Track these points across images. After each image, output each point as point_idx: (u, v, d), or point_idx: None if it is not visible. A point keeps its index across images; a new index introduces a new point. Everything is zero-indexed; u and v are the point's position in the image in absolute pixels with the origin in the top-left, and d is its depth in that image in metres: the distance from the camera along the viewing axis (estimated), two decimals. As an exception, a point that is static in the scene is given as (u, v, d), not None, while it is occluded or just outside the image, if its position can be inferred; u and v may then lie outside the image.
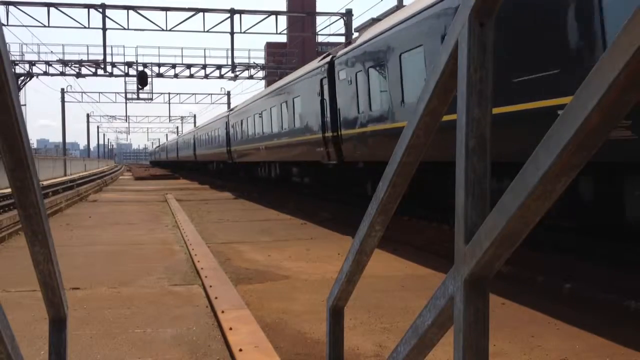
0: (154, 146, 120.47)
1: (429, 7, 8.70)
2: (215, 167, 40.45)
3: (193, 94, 72.27)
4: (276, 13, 30.57)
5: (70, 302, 2.52)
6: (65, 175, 49.24)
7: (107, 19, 28.81)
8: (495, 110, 5.98)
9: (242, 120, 25.66)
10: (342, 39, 29.33)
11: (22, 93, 39.96)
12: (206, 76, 34.13)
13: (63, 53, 41.19)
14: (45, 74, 34.04)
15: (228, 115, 30.71)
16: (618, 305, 5.14)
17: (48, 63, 33.73)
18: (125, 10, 28.86)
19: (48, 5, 27.68)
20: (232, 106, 40.87)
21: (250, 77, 34.99)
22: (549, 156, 1.08)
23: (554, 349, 4.09)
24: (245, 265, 7.44)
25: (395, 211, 2.23)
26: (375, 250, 2.40)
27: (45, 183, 28.51)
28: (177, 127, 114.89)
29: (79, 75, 33.72)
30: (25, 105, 42.65)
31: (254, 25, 30.28)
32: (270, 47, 68.94)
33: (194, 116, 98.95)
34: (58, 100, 65.49)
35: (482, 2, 1.46)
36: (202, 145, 40.97)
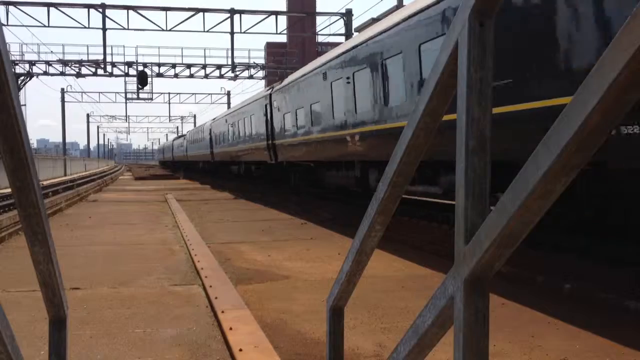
0: (163, 142, 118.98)
1: (310, 71, 15.44)
2: (202, 166, 47.05)
3: (193, 93, 72.22)
4: (276, 13, 30.59)
5: (70, 302, 2.52)
6: (65, 175, 49.23)
7: (107, 19, 28.85)
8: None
9: (220, 129, 32.31)
10: (342, 39, 29.35)
11: (22, 93, 39.97)
12: (206, 76, 34.16)
13: (63, 53, 41.25)
14: (45, 73, 34.06)
15: (211, 123, 35.79)
16: (618, 305, 5.14)
17: (48, 63, 33.74)
18: (125, 10, 28.90)
19: (48, 5, 27.70)
20: (231, 106, 44.35)
21: (250, 77, 35.03)
22: (549, 156, 1.08)
23: (554, 349, 4.09)
24: (246, 265, 7.44)
25: (395, 211, 2.23)
26: (375, 250, 2.40)
27: (45, 183, 28.51)
28: (177, 127, 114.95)
29: (79, 75, 33.75)
30: (25, 105, 42.68)
31: (254, 25, 30.32)
32: (270, 47, 68.77)
33: (194, 116, 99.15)
34: (58, 100, 65.56)
35: (482, 2, 1.46)
36: (193, 147, 46.62)
